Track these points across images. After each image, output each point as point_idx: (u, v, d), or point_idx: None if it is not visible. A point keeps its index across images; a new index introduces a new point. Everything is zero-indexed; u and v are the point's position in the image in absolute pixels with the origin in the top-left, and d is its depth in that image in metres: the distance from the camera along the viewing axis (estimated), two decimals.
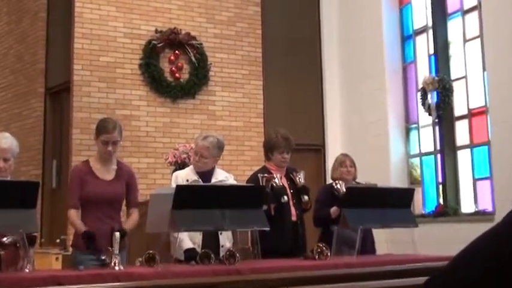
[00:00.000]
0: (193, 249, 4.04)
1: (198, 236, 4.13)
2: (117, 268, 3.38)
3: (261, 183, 4.40)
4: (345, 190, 4.68)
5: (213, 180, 4.31)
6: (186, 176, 4.33)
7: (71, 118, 7.85)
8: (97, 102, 7.91)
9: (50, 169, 8.47)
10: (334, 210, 4.75)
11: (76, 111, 7.81)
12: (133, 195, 4.19)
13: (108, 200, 4.02)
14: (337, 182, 4.89)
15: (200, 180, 4.26)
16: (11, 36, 9.32)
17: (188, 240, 4.08)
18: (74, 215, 3.99)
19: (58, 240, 7.41)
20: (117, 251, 3.43)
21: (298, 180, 4.69)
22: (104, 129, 4.03)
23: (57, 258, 6.84)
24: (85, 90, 7.90)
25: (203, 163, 4.31)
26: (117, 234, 3.50)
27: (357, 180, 5.20)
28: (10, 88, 9.19)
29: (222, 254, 4.06)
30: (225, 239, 4.24)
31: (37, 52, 8.80)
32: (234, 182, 4.54)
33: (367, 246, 4.76)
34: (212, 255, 3.68)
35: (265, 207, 4.08)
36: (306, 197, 4.66)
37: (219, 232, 4.17)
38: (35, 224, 3.25)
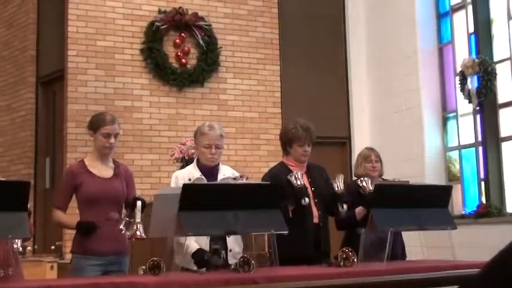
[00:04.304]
0: (201, 249, 4.07)
1: (205, 240, 4.15)
2: (138, 234, 3.74)
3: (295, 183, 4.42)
4: (371, 188, 4.67)
5: (220, 177, 4.32)
6: (188, 174, 4.33)
7: (65, 110, 7.91)
8: (94, 92, 7.97)
9: (42, 168, 8.55)
10: (359, 210, 4.75)
11: (71, 103, 7.87)
12: (132, 193, 4.33)
13: (109, 199, 4.19)
14: (362, 179, 4.88)
15: (203, 177, 4.28)
16: None
17: (194, 242, 4.10)
18: (61, 213, 4.23)
19: (53, 247, 7.49)
20: (139, 219, 3.77)
21: (337, 186, 4.61)
22: (103, 121, 4.24)
23: (52, 267, 6.90)
24: (80, 79, 7.95)
25: (219, 154, 4.38)
26: (139, 202, 3.83)
27: (384, 177, 5.19)
28: None
29: (230, 259, 4.09)
30: (234, 243, 4.25)
31: (27, 37, 8.87)
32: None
33: (396, 250, 4.76)
34: (223, 252, 3.72)
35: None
36: (345, 207, 4.61)
37: (227, 235, 4.18)
38: (26, 229, 3.28)
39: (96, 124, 4.26)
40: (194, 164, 4.45)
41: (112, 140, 4.23)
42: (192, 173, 4.34)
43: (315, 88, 9.12)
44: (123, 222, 3.97)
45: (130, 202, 4.04)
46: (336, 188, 4.61)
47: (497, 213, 7.45)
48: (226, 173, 4.40)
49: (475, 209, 7.72)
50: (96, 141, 4.27)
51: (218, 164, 4.41)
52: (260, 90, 8.83)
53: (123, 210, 4.29)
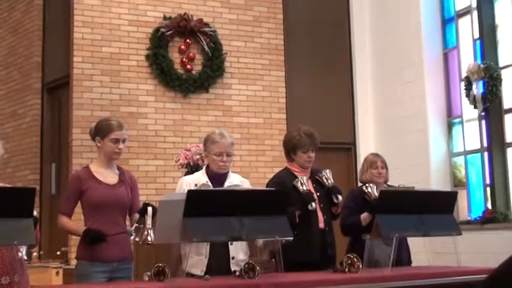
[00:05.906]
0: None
1: (205, 247, 4.15)
2: (149, 239, 3.80)
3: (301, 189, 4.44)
4: (377, 194, 4.67)
5: (227, 184, 4.33)
6: (195, 180, 4.35)
7: (70, 116, 7.93)
8: (99, 99, 7.98)
9: (48, 173, 8.57)
10: (364, 216, 4.74)
11: (76, 109, 7.89)
12: (136, 200, 4.36)
13: (115, 205, 4.19)
14: (367, 185, 4.88)
15: (210, 183, 4.29)
16: (2, 27, 9.43)
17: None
18: (67, 219, 4.22)
19: (59, 253, 7.50)
20: (150, 225, 3.83)
21: (326, 181, 4.67)
22: (111, 127, 4.23)
23: (57, 273, 6.92)
24: (86, 85, 7.97)
25: (230, 162, 4.39)
26: (150, 208, 3.89)
27: (389, 183, 5.18)
28: (3, 84, 9.31)
29: (233, 266, 4.08)
30: (238, 250, 4.25)
31: (32, 44, 8.90)
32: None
33: (402, 256, 4.75)
34: None
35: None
36: (340, 197, 4.64)
37: (229, 242, 4.17)
38: (32, 235, 3.29)
39: (104, 130, 4.23)
40: (203, 170, 4.46)
41: (121, 146, 4.22)
42: (198, 179, 4.36)
43: (319, 94, 9.12)
44: (133, 228, 4.00)
45: (140, 208, 4.05)
46: (326, 183, 4.64)
47: (503, 219, 7.42)
48: (234, 180, 4.40)
49: (480, 214, 7.70)
50: (104, 147, 4.23)
51: (228, 172, 4.43)
52: (265, 96, 8.84)
53: (127, 216, 4.31)
